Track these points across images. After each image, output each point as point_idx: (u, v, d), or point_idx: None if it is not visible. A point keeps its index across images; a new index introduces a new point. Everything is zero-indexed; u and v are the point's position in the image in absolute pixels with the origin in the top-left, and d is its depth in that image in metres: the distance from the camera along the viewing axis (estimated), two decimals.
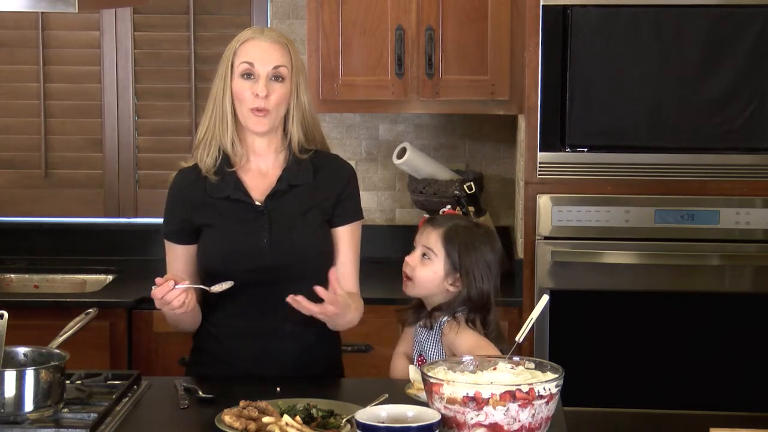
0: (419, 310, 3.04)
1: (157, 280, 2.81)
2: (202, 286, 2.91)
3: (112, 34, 4.66)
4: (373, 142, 4.67)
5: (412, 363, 2.99)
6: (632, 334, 3.96)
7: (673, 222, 3.91)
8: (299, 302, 2.82)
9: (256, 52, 2.97)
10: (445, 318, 2.96)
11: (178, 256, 3.07)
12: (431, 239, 2.98)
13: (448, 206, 3.14)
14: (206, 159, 3.02)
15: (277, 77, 2.97)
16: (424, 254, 2.98)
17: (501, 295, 3.07)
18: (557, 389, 2.35)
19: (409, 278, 3.00)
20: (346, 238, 3.07)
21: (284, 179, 3.03)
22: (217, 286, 2.90)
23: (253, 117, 2.97)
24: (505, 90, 4.19)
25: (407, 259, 3.01)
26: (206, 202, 3.02)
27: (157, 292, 2.81)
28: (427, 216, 3.10)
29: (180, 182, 3.08)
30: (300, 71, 3.02)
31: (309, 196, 3.04)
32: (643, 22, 3.86)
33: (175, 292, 2.80)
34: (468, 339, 2.92)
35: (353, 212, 3.09)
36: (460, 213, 3.37)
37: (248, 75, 2.97)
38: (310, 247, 3.01)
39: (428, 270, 2.97)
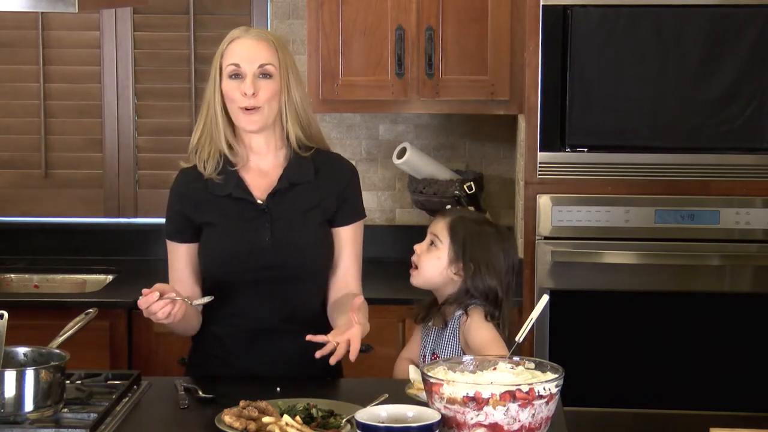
0: (432, 307, 3.05)
1: (144, 291, 2.81)
2: (185, 298, 2.88)
3: (112, 34, 4.66)
4: (373, 142, 4.67)
5: (424, 363, 2.99)
6: (632, 334, 3.96)
7: (673, 222, 3.91)
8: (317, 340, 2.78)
9: (242, 51, 2.98)
10: (459, 313, 2.97)
11: (180, 256, 3.07)
12: (438, 227, 3.03)
13: (471, 208, 3.16)
14: (207, 166, 3.01)
15: (265, 75, 2.97)
16: (431, 242, 3.02)
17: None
18: (557, 389, 2.35)
19: (415, 267, 3.03)
20: (348, 239, 3.07)
21: (285, 177, 3.03)
22: (198, 300, 2.93)
23: (244, 116, 2.97)
24: (505, 90, 4.18)
25: (415, 246, 3.05)
26: (208, 201, 3.02)
27: (141, 303, 2.81)
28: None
29: (181, 181, 3.08)
30: (289, 68, 3.00)
31: (310, 195, 3.03)
32: (643, 22, 3.86)
33: (159, 304, 2.79)
34: (481, 334, 2.92)
35: (355, 212, 3.09)
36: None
37: (236, 75, 2.97)
38: (310, 247, 3.01)
39: (432, 256, 3.00)
